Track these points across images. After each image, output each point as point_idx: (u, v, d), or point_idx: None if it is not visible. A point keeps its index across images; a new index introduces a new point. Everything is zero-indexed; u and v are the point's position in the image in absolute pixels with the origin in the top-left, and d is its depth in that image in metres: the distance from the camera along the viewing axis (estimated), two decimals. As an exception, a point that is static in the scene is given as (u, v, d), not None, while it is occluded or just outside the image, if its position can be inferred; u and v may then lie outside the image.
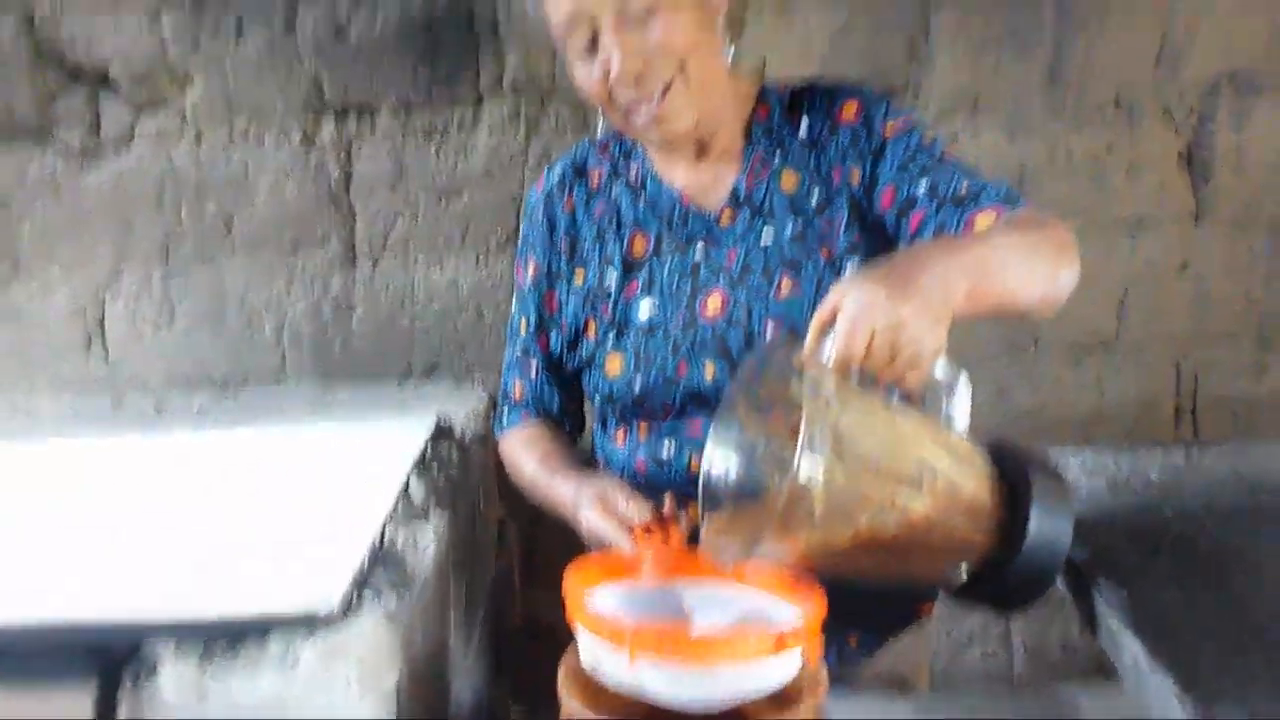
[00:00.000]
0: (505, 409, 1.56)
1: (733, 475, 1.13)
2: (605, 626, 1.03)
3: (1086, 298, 2.16)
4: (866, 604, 1.29)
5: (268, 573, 1.27)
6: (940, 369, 1.03)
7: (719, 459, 1.14)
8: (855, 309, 0.99)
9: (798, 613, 1.08)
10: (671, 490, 1.38)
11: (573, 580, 1.11)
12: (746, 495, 1.13)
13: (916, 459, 0.99)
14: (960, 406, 1.05)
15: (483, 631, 1.71)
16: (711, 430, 1.15)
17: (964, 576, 1.02)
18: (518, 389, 1.54)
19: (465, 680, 1.55)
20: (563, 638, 1.13)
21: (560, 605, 1.11)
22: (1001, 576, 1.00)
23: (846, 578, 1.02)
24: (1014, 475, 1.04)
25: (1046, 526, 0.99)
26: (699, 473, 1.36)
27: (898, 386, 1.05)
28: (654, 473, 1.41)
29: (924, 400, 1.05)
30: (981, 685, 2.29)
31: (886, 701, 1.32)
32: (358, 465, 1.62)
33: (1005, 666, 2.31)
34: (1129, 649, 1.00)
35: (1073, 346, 2.23)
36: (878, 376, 1.00)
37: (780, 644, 1.00)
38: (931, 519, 0.99)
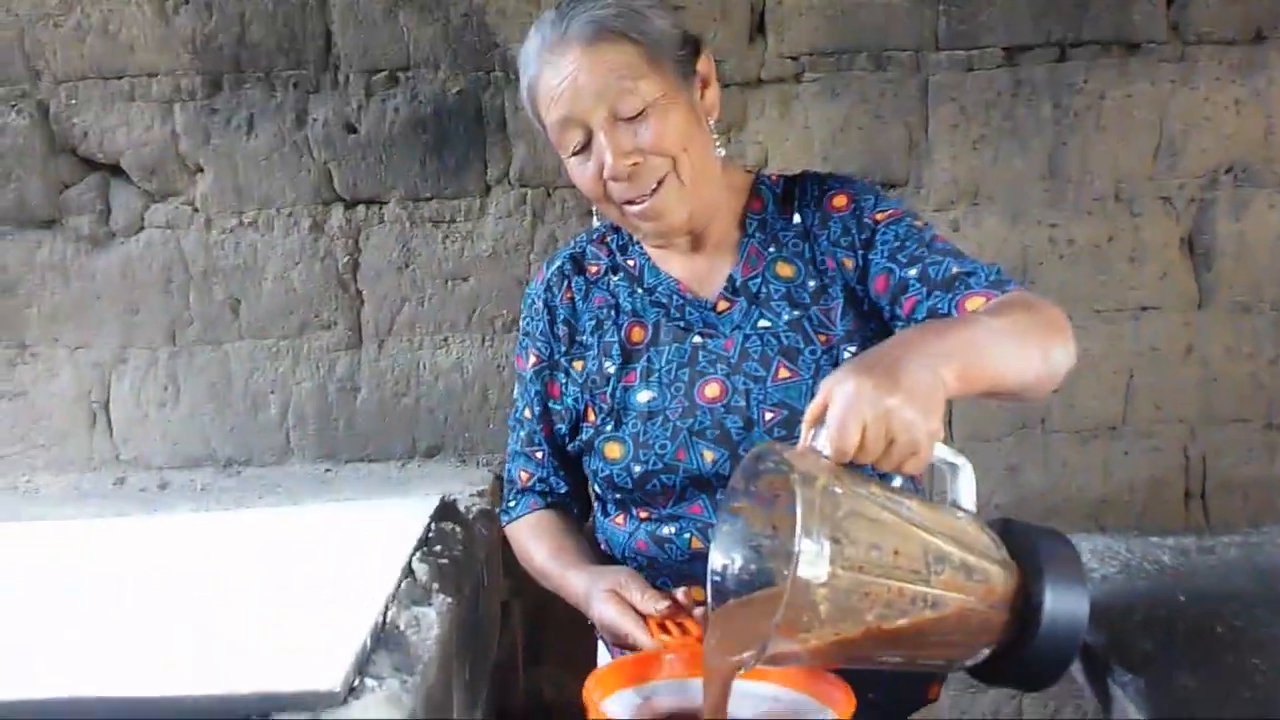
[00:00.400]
0: (512, 496, 1.55)
1: (738, 569, 1.12)
2: None
3: (1092, 382, 2.19)
4: (876, 687, 1.26)
5: (268, 652, 1.25)
6: (941, 453, 1.02)
7: (724, 555, 1.12)
8: (844, 402, 0.98)
9: (823, 709, 1.06)
10: (672, 569, 1.38)
11: (592, 689, 1.09)
12: (758, 589, 1.11)
13: (922, 547, 0.98)
14: (965, 490, 1.04)
15: (486, 711, 1.68)
16: (716, 528, 1.14)
17: (983, 655, 1.00)
18: (524, 476, 1.53)
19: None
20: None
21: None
22: (1020, 655, 0.98)
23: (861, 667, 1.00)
24: (1025, 553, 1.03)
25: (1062, 602, 0.97)
26: (698, 550, 1.36)
27: (899, 474, 1.04)
28: (655, 552, 1.40)
29: (929, 488, 1.04)
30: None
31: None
32: (360, 545, 1.61)
33: None
34: (1147, 735, 0.98)
35: (1080, 431, 2.23)
36: (875, 467, 1.00)
37: None
38: (943, 607, 0.98)
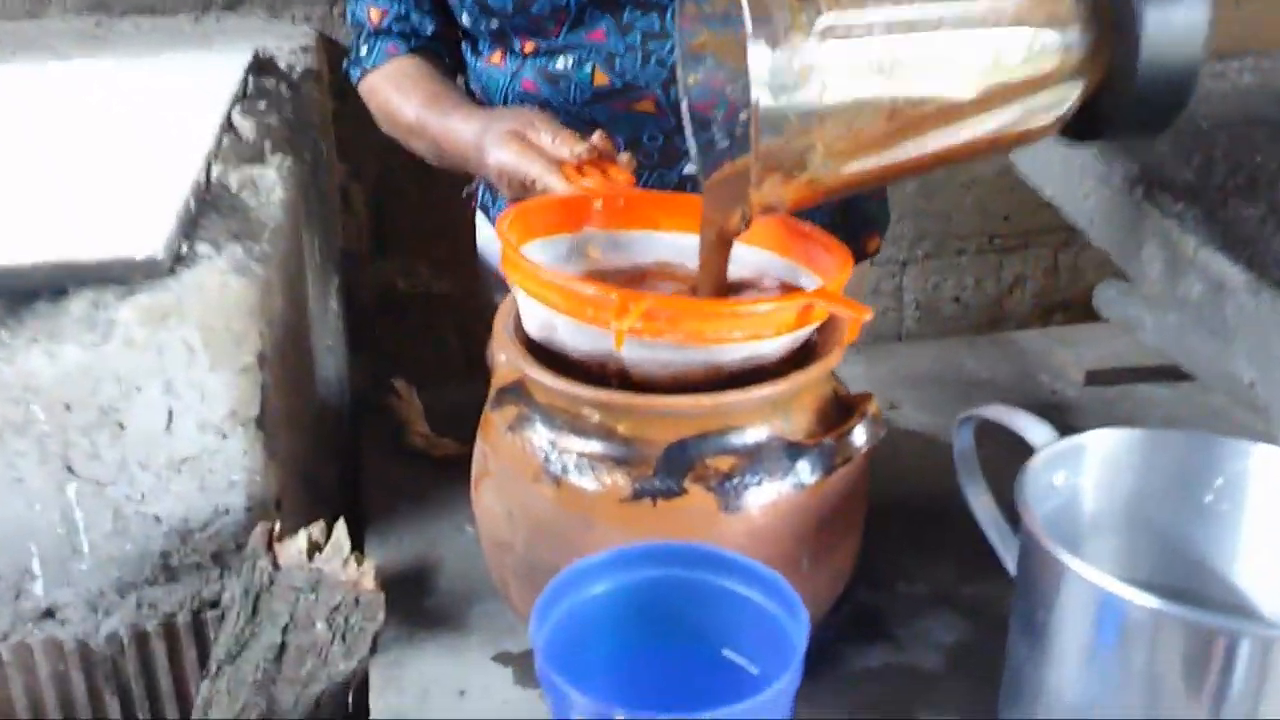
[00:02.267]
0: (363, 43, 1.20)
1: (723, 124, 0.83)
2: (580, 295, 0.73)
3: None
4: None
5: (59, 221, 0.93)
6: None
7: (701, 112, 0.84)
8: None
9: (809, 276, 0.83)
10: (570, 114, 1.09)
11: (509, 230, 0.81)
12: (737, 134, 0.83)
13: None
14: None
15: (339, 304, 1.41)
16: (680, 81, 0.84)
17: (1070, 109, 0.76)
18: (375, 15, 1.17)
19: (327, 359, 1.26)
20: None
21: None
22: (1117, 97, 0.74)
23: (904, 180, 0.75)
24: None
25: (1168, 19, 0.72)
26: (603, 86, 1.07)
27: None
28: (547, 93, 1.11)
29: None
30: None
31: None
32: (161, 102, 1.24)
33: (895, 324, 2.19)
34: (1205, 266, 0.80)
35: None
36: None
37: (806, 316, 0.74)
38: (989, 57, 0.72)
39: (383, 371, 1.31)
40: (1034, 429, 0.74)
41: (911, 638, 0.85)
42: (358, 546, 0.96)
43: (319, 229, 1.31)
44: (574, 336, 0.75)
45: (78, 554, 0.89)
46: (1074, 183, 1.05)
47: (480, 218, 1.31)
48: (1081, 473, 0.74)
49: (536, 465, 0.75)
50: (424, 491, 1.01)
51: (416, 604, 0.89)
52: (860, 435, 0.75)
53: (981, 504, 0.81)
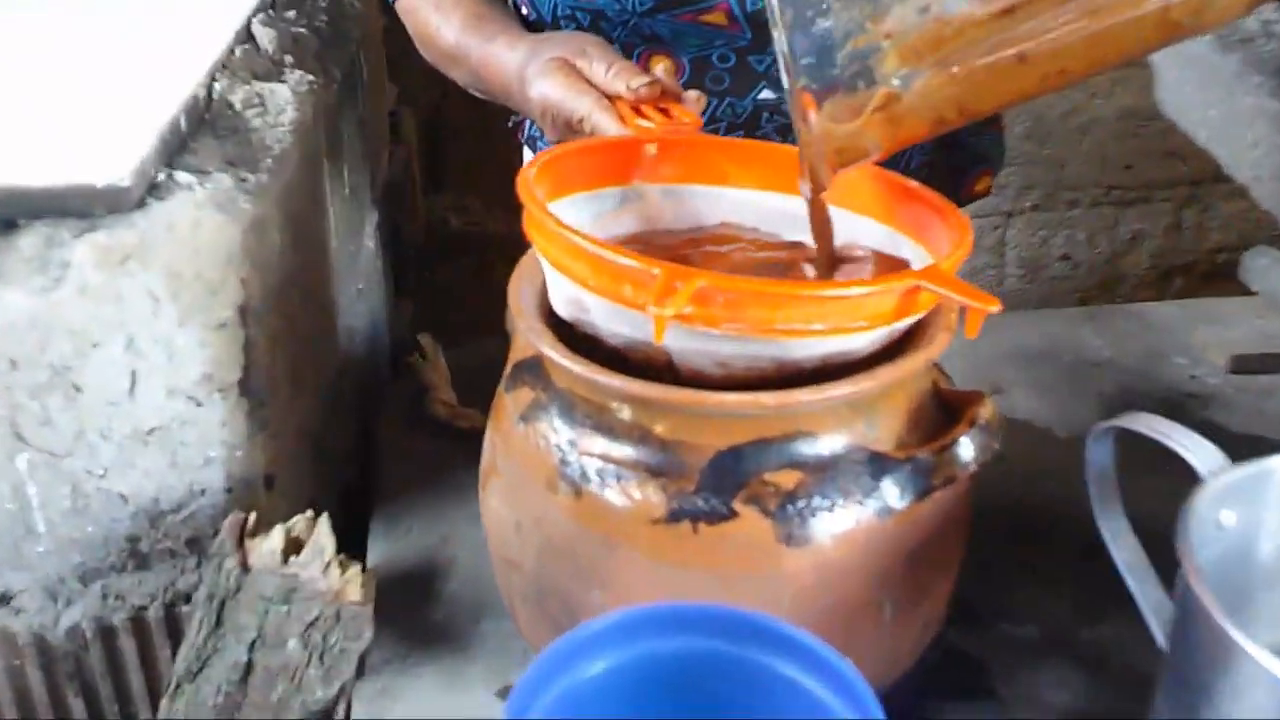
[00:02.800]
0: None
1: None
2: (615, 267, 0.56)
3: None
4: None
5: (21, 142, 0.79)
6: None
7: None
8: None
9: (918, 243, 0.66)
10: (628, 29, 0.92)
11: (534, 183, 0.64)
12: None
13: None
14: None
15: (376, 244, 1.27)
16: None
17: None
18: None
19: (358, 306, 1.12)
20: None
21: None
22: None
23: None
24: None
25: None
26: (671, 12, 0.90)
27: None
28: (609, 8, 0.94)
29: None
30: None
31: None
32: (170, 6, 1.09)
33: (994, 283, 1.99)
34: None
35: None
36: None
37: (910, 303, 0.57)
38: None
39: (428, 321, 1.17)
40: (1199, 451, 0.57)
41: (1017, 696, 0.68)
42: (359, 538, 0.83)
43: (354, 157, 1.17)
44: (610, 320, 0.59)
45: (32, 534, 0.76)
46: (1239, 126, 0.86)
47: (527, 153, 1.15)
48: (1263, 508, 0.57)
49: (551, 468, 0.59)
50: (442, 471, 0.87)
51: (416, 615, 0.75)
52: (968, 448, 0.58)
53: (1122, 545, 0.64)
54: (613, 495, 0.57)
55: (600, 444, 0.58)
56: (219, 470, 0.76)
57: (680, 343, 0.56)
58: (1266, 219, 0.92)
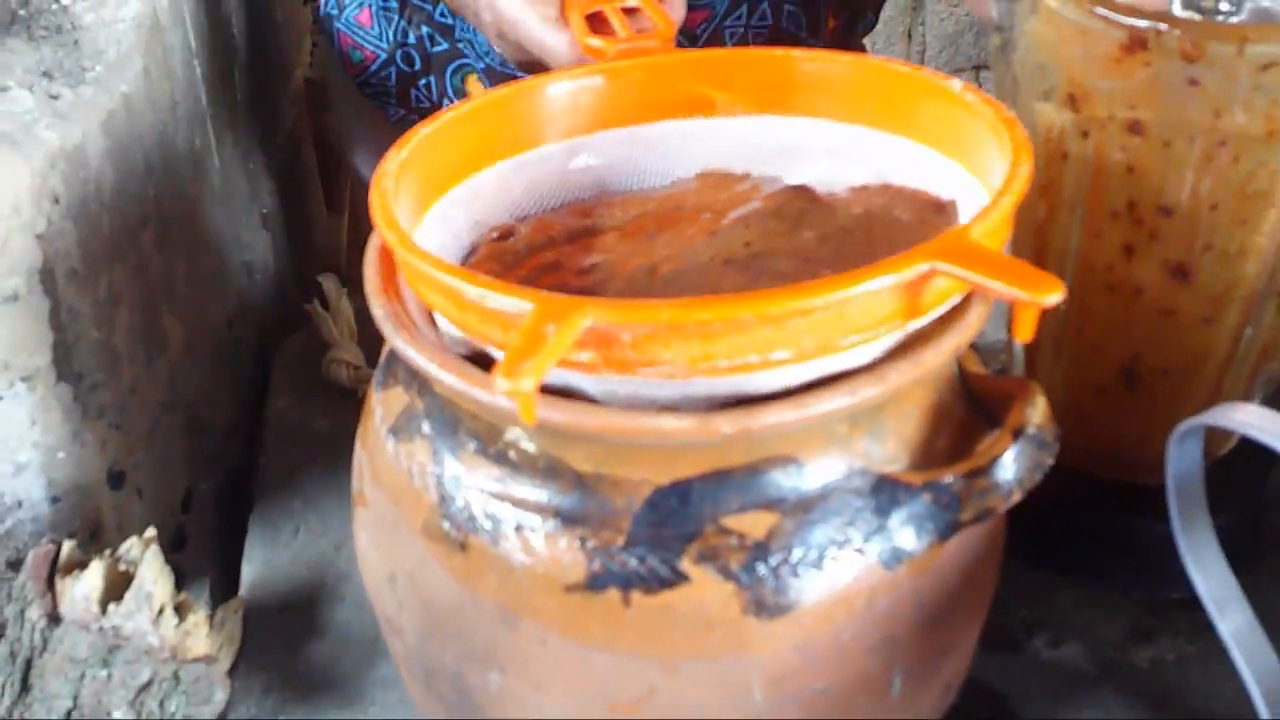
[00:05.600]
0: None
1: None
2: (462, 300, 0.39)
3: None
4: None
5: None
6: None
7: None
8: None
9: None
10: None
11: (401, 171, 0.46)
12: None
13: None
14: None
15: (290, 154, 1.08)
16: None
17: None
18: None
19: (259, 235, 0.94)
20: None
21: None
22: None
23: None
24: None
25: None
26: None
27: None
28: None
29: None
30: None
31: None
32: None
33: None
34: None
35: None
36: None
37: (918, 295, 0.39)
38: None
39: (362, 243, 0.99)
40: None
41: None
42: (235, 545, 0.67)
43: (251, 51, 0.98)
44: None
45: None
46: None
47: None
48: None
49: (428, 507, 0.43)
50: (340, 455, 0.70)
51: (295, 655, 0.59)
52: (1010, 468, 0.41)
53: (1209, 576, 0.47)
54: (511, 549, 0.41)
55: (493, 477, 0.41)
56: (36, 477, 0.59)
57: (599, 387, 0.39)
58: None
